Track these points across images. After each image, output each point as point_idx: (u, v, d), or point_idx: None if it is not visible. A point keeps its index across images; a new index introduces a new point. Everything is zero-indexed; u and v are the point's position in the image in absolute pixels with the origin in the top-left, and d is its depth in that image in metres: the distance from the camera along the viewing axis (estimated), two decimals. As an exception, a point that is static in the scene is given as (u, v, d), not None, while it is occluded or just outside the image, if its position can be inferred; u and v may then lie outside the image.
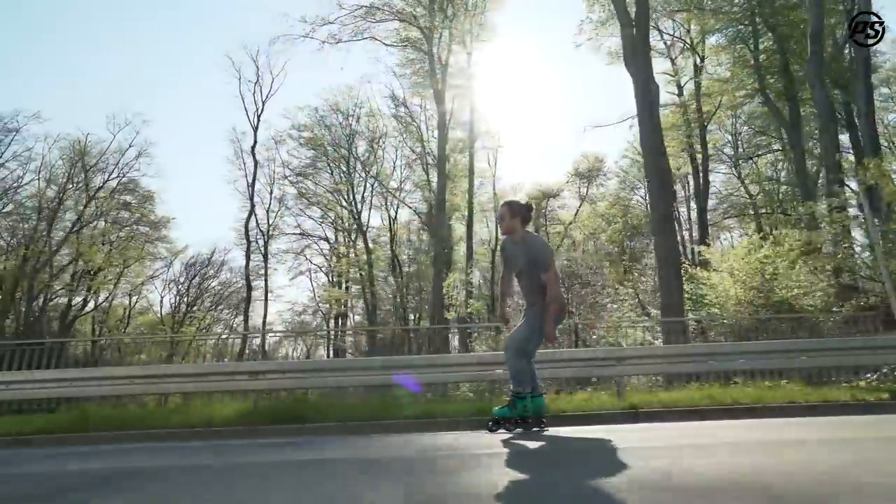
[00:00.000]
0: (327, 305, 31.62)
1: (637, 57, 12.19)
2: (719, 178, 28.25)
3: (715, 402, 5.11)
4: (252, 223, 26.58)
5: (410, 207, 27.39)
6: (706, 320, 11.16)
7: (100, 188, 26.39)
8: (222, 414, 5.36)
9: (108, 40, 49.91)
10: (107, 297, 29.05)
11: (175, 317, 31.13)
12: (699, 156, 23.95)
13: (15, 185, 24.24)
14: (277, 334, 29.28)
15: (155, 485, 2.34)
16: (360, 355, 28.16)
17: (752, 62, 19.84)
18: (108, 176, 26.81)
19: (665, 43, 24.41)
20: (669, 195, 12.44)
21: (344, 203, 29.01)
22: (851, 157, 16.21)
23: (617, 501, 1.56)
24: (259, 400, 5.79)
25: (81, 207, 25.48)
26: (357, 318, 33.78)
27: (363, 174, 28.14)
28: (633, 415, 5.18)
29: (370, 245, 28.42)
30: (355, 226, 28.91)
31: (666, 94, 22.38)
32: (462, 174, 23.56)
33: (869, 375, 6.56)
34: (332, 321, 31.87)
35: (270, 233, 28.48)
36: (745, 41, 20.55)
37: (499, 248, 4.91)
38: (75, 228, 25.16)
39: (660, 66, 23.05)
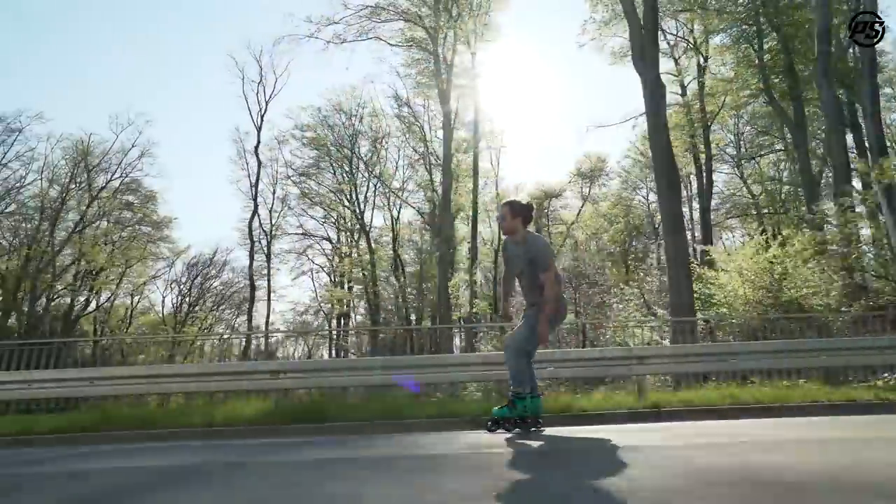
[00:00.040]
0: (329, 305, 31.60)
1: (646, 56, 12.19)
2: (721, 178, 28.29)
3: (737, 401, 5.10)
4: (255, 223, 26.59)
5: (414, 207, 27.41)
6: (714, 320, 11.17)
7: (102, 188, 26.35)
8: (243, 413, 5.35)
9: (111, 40, 49.92)
10: (109, 298, 29.02)
11: (177, 317, 31.09)
12: (702, 156, 23.96)
13: (18, 185, 24.24)
14: (281, 334, 29.20)
15: (240, 478, 2.37)
16: (363, 355, 28.15)
17: (757, 62, 19.84)
18: (111, 176, 26.83)
19: (668, 43, 24.39)
20: (678, 195, 12.45)
21: (346, 203, 29.00)
22: (854, 157, 16.21)
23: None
24: (280, 399, 5.78)
25: (84, 207, 25.44)
26: (358, 318, 33.78)
27: (366, 174, 28.14)
28: (655, 414, 5.17)
29: (373, 245, 28.41)
30: (358, 226, 28.90)
31: (669, 95, 22.33)
32: (466, 174, 23.56)
33: (886, 375, 6.55)
34: (333, 321, 31.85)
35: (273, 233, 28.48)
36: (749, 41, 20.55)
37: (500, 248, 4.91)
38: (78, 228, 25.12)
39: (663, 65, 22.96)
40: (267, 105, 26.70)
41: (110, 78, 49.24)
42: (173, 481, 2.35)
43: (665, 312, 14.94)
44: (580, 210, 32.07)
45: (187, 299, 32.19)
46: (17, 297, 23.02)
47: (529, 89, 46.22)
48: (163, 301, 32.47)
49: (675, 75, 24.43)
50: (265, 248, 27.61)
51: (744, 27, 20.57)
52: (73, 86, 47.28)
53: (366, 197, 28.49)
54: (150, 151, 27.35)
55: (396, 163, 28.49)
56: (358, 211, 28.33)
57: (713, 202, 26.51)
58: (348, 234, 30.60)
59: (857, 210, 9.94)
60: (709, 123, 23.52)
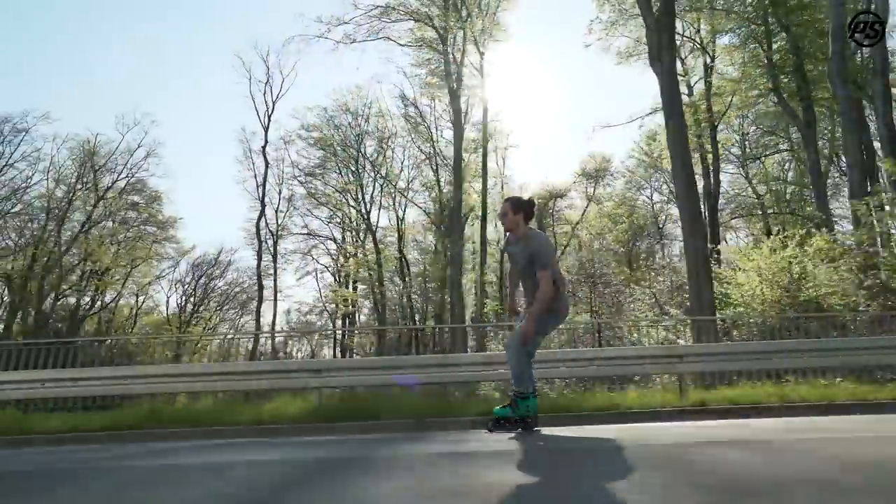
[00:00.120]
0: (333, 305, 31.57)
1: (663, 56, 12.20)
2: (726, 177, 28.32)
3: (785, 399, 5.11)
4: (262, 223, 26.54)
5: (421, 208, 27.39)
6: (731, 320, 11.19)
7: (108, 188, 26.33)
8: (287, 411, 5.34)
9: (117, 41, 49.84)
10: (114, 298, 28.96)
11: (181, 316, 31.03)
12: (709, 156, 23.98)
13: (24, 185, 24.20)
14: (289, 334, 29.15)
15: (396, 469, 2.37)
16: (367, 356, 28.13)
17: (766, 62, 19.88)
18: (117, 176, 26.82)
19: (675, 43, 24.43)
20: (696, 195, 12.46)
21: (352, 203, 28.98)
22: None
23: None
24: (322, 398, 5.77)
25: (90, 208, 25.39)
26: (362, 318, 33.78)
27: (372, 174, 28.13)
28: (699, 412, 5.17)
29: (379, 245, 28.40)
30: (364, 225, 28.88)
31: (677, 95, 22.39)
32: (474, 174, 23.56)
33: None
34: (338, 321, 31.82)
35: (279, 233, 28.43)
36: (758, 41, 20.59)
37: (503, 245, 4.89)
38: (84, 229, 25.06)
39: (670, 66, 23.07)
40: (274, 105, 26.70)
41: (117, 78, 49.21)
42: (329, 470, 2.34)
43: (679, 312, 14.98)
44: (585, 210, 32.10)
45: (192, 299, 32.15)
46: (23, 298, 22.95)
47: (534, 89, 46.32)
48: (167, 301, 32.47)
49: (681, 75, 24.45)
50: (271, 249, 27.57)
51: (752, 27, 20.61)
52: (79, 86, 47.25)
53: (372, 197, 28.50)
54: (156, 152, 27.40)
55: (401, 163, 28.53)
56: (364, 210, 28.34)
57: (719, 202, 26.57)
58: (354, 233, 30.58)
59: (886, 209, 9.94)
60: (716, 123, 23.55)
